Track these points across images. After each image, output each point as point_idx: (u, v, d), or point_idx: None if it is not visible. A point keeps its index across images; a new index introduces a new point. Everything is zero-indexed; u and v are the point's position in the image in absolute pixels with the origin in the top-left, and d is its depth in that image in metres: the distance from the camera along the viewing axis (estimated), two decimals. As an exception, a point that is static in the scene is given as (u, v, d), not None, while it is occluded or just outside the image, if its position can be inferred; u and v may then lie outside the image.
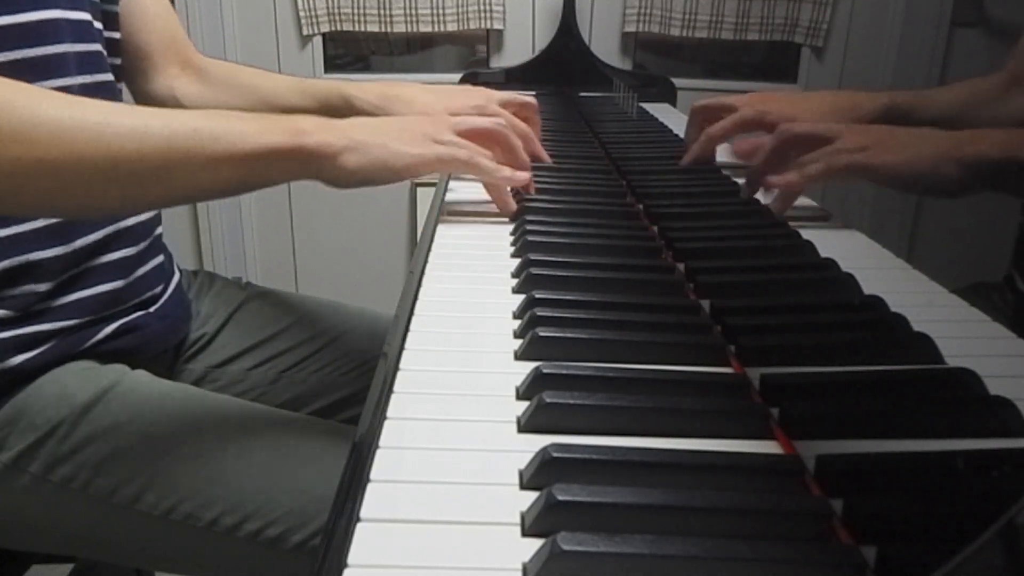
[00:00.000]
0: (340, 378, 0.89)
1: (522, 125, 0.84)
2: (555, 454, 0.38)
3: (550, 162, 0.86)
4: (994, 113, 0.97)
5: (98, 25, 0.76)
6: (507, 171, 0.75)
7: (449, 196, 0.86)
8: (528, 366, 0.47)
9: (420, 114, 0.89)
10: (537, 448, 0.39)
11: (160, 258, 0.83)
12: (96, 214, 0.72)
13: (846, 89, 1.02)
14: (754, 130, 1.00)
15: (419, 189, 1.95)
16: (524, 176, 0.77)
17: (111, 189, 0.58)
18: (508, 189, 0.78)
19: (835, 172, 0.73)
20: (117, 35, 0.81)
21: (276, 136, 0.61)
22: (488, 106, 0.93)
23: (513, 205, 0.78)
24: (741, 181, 0.86)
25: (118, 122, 0.57)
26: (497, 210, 0.78)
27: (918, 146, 0.73)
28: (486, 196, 0.79)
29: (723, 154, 1.06)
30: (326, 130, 0.64)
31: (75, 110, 0.56)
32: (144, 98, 0.92)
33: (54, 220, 0.70)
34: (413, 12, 1.90)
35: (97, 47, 0.75)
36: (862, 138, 0.75)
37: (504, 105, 0.97)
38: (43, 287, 0.70)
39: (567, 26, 1.78)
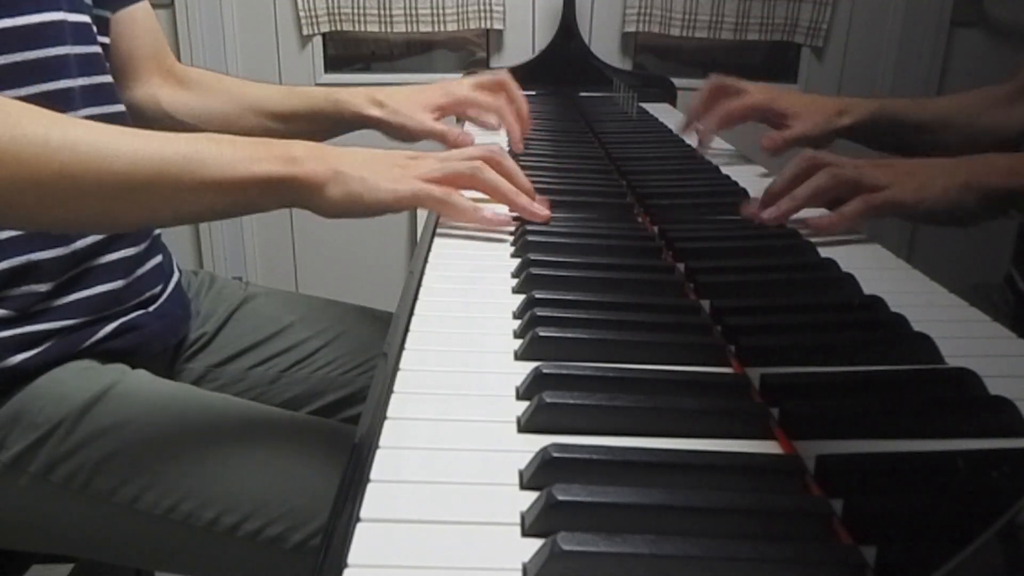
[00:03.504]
0: (340, 378, 0.89)
1: (508, 164, 0.75)
2: (555, 454, 0.38)
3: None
4: (994, 123, 0.98)
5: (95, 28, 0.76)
6: (487, 212, 0.71)
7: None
8: (528, 366, 0.47)
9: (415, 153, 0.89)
10: (537, 448, 0.39)
11: (159, 258, 0.83)
12: (83, 231, 0.72)
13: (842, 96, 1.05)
14: (759, 118, 1.04)
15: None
16: (504, 219, 0.72)
17: (98, 210, 0.58)
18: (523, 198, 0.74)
19: (869, 213, 0.73)
20: (107, 40, 0.81)
21: (267, 164, 0.60)
22: (463, 138, 0.95)
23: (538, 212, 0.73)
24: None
25: (107, 144, 0.56)
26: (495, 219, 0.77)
27: (938, 179, 0.73)
28: (485, 199, 0.79)
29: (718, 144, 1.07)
30: (316, 159, 0.62)
31: (63, 130, 0.55)
32: (126, 106, 0.92)
33: (55, 222, 0.70)
34: (413, 12, 1.90)
35: (97, 49, 0.76)
36: (885, 174, 0.74)
37: (479, 87, 0.99)
38: (43, 287, 0.70)
39: (567, 26, 1.78)
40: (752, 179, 0.92)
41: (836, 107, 0.99)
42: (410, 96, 0.96)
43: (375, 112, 0.93)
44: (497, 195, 0.71)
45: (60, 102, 0.70)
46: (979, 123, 0.98)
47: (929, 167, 0.75)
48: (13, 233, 0.68)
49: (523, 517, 0.36)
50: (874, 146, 1.03)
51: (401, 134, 0.94)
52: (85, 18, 0.74)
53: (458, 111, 1.04)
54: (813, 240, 0.72)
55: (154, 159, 0.57)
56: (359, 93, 0.94)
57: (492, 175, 0.70)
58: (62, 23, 0.70)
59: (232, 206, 0.61)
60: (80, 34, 0.73)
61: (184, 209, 0.60)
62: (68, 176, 0.54)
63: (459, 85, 1.02)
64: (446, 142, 0.95)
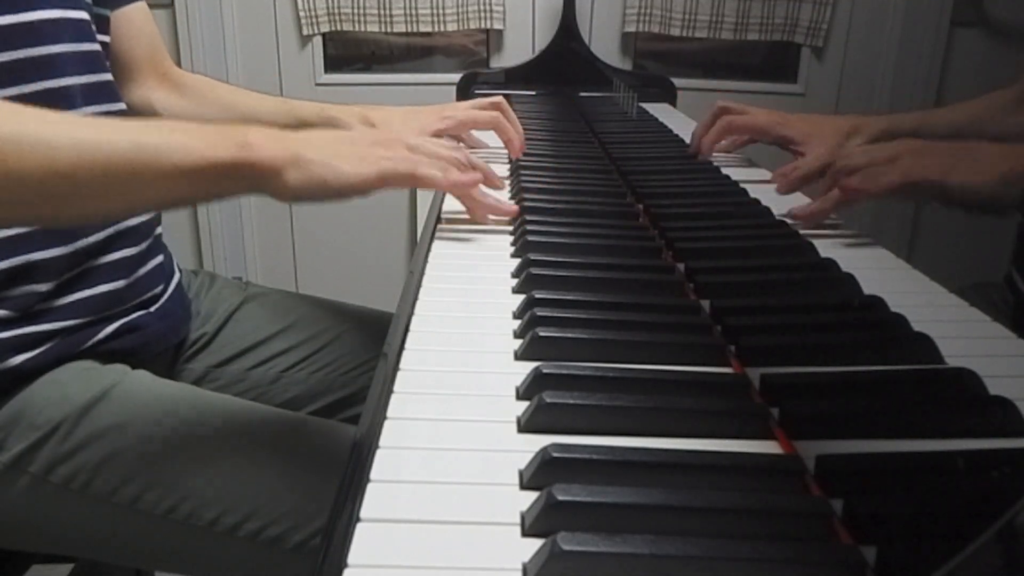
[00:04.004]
0: (340, 378, 0.89)
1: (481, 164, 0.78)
2: (555, 454, 0.38)
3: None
4: (1002, 129, 0.97)
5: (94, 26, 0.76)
6: (455, 174, 0.68)
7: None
8: (528, 366, 0.47)
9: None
10: (537, 448, 0.39)
11: (160, 258, 0.83)
12: (35, 225, 0.70)
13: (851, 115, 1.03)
14: (766, 139, 1.04)
15: (419, 189, 1.94)
16: (476, 176, 0.71)
17: (48, 202, 0.56)
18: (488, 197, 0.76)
19: (908, 185, 0.72)
20: (107, 38, 0.81)
21: (222, 151, 0.58)
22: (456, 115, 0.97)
23: (502, 208, 0.75)
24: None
25: (56, 134, 0.54)
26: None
27: (982, 164, 0.71)
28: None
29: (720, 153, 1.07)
30: (273, 144, 0.60)
31: (14, 125, 0.53)
32: None
33: (55, 221, 0.70)
34: (413, 12, 1.90)
35: (96, 47, 0.75)
36: (923, 155, 0.73)
37: (476, 107, 1.00)
38: (44, 287, 0.70)
39: (567, 26, 1.78)
40: (757, 183, 0.92)
41: (847, 128, 0.97)
42: (405, 119, 0.96)
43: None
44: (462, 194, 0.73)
45: (60, 100, 0.70)
46: (990, 131, 0.98)
47: (972, 150, 0.73)
48: (12, 232, 0.68)
49: (523, 517, 0.36)
50: None
51: None
52: (83, 15, 0.74)
53: (457, 133, 1.05)
54: (813, 240, 0.72)
55: (104, 149, 0.55)
56: (352, 112, 0.94)
57: (432, 171, 0.67)
58: (59, 20, 0.70)
59: (189, 194, 0.60)
60: (78, 31, 0.73)
61: (138, 198, 0.59)
62: (13, 170, 0.52)
63: (455, 108, 1.02)
64: None
